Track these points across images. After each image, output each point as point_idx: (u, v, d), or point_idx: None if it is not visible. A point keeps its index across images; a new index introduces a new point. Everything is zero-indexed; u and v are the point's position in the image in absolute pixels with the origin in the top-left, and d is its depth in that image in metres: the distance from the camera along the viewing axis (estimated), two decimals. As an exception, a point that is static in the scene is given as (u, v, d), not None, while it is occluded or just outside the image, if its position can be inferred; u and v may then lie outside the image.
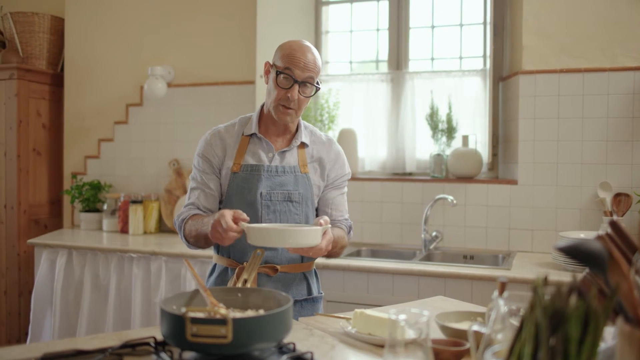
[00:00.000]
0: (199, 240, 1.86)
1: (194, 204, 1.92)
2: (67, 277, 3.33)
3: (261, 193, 1.87)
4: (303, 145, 1.98)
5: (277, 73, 1.84)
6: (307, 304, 1.96)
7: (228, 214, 1.64)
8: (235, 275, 1.81)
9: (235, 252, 1.89)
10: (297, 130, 1.99)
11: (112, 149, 4.07)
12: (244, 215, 1.66)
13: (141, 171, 4.00)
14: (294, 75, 1.82)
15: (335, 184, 2.03)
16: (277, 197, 1.89)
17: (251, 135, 1.95)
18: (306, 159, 1.97)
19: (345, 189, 2.08)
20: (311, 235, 1.64)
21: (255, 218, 1.86)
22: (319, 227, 1.67)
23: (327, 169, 2.00)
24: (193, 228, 1.85)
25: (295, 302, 1.92)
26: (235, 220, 1.64)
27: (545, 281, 0.87)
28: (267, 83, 1.93)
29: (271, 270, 1.86)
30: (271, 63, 1.91)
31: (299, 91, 1.84)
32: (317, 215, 2.01)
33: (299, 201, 1.92)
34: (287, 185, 1.91)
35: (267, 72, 1.92)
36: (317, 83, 1.88)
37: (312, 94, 1.88)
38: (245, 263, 1.81)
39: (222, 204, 1.94)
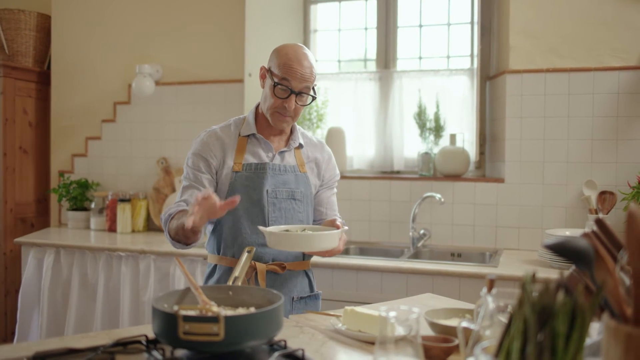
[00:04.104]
0: (178, 233, 1.78)
1: (186, 201, 1.90)
2: (55, 276, 3.31)
3: (267, 191, 1.89)
4: (299, 146, 2.01)
5: (275, 83, 1.84)
6: (310, 301, 2.00)
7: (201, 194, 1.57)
8: (244, 275, 1.81)
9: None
10: (292, 132, 2.02)
11: (99, 148, 4.05)
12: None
13: (129, 169, 3.98)
14: (290, 87, 1.84)
15: (329, 185, 2.08)
16: (282, 195, 1.91)
17: (248, 135, 1.95)
18: (303, 160, 2.01)
19: (335, 190, 2.13)
20: (331, 238, 1.71)
21: (261, 216, 1.88)
22: (337, 231, 1.73)
23: (322, 169, 2.05)
24: (176, 222, 1.79)
25: (300, 299, 1.96)
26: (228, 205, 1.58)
27: (534, 278, 0.88)
28: (262, 87, 1.94)
29: (279, 268, 1.88)
30: (267, 68, 1.91)
31: (295, 100, 1.86)
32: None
33: (301, 199, 1.95)
34: (289, 184, 1.93)
35: (262, 77, 1.93)
36: (314, 91, 1.90)
37: (309, 102, 1.91)
38: (253, 262, 1.84)
39: None
